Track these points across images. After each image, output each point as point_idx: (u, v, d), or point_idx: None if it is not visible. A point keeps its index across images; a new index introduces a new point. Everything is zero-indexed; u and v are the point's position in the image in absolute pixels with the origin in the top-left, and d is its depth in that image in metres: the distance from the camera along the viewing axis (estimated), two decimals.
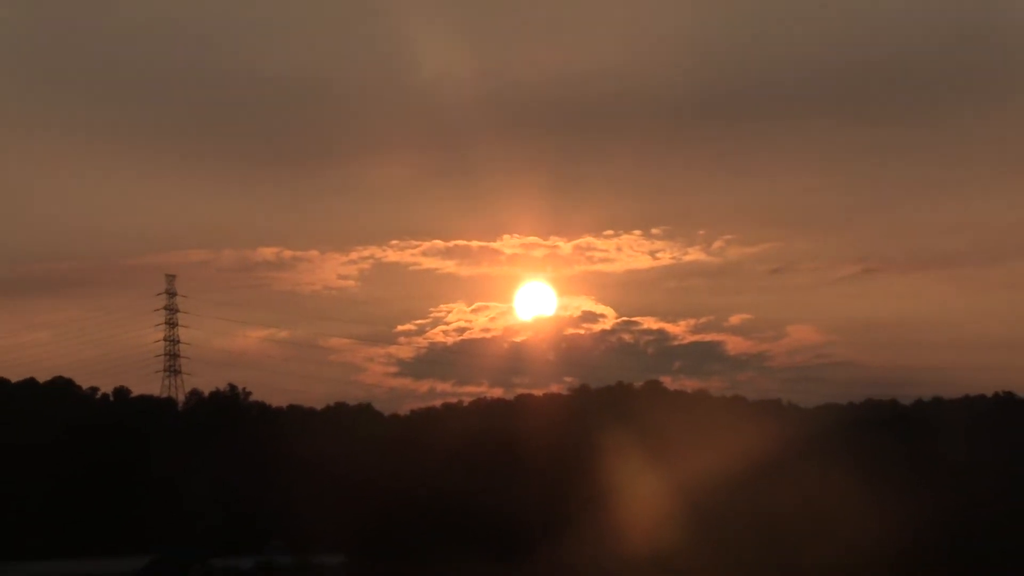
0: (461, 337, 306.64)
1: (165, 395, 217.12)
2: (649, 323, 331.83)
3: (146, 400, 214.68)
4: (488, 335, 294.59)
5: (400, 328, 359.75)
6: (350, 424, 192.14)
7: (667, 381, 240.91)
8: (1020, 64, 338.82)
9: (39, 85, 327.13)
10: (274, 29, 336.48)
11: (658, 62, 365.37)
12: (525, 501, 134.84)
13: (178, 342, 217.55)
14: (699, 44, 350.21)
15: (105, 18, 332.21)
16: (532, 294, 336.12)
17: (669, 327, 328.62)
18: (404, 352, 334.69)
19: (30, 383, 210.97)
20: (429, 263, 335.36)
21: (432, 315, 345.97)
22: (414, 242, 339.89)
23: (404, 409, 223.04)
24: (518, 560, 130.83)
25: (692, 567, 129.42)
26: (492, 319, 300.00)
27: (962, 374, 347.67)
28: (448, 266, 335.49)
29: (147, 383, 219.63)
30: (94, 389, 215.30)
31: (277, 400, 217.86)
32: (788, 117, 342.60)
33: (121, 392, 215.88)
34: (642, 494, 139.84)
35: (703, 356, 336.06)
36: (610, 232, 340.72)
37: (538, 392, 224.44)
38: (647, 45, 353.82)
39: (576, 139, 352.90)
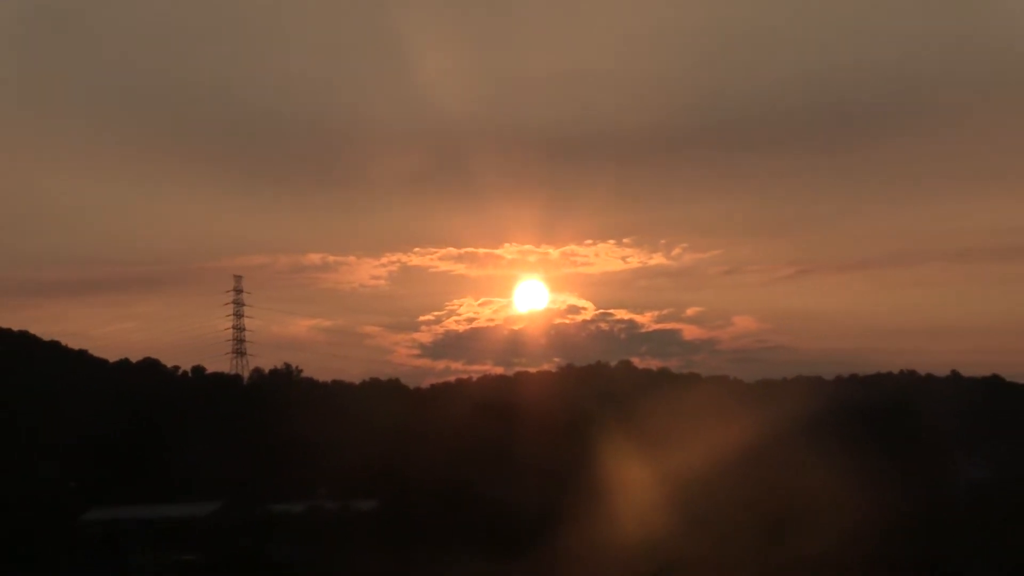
0: (470, 326, 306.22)
1: (233, 373, 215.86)
2: (621, 314, 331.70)
3: (217, 376, 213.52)
4: (492, 324, 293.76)
5: (421, 318, 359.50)
6: (381, 396, 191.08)
7: (636, 361, 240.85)
8: (918, 105, 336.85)
9: (132, 122, 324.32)
10: (315, 73, 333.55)
11: (629, 106, 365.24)
12: (522, 470, 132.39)
13: (243, 330, 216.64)
14: (663, 91, 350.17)
15: (171, 58, 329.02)
16: (527, 291, 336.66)
17: (637, 317, 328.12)
18: (424, 338, 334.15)
19: (124, 363, 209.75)
20: (444, 266, 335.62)
21: (447, 308, 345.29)
22: (432, 249, 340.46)
23: (425, 384, 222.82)
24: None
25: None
26: (495, 311, 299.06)
27: (875, 356, 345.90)
28: (459, 268, 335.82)
29: (219, 363, 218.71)
30: (176, 367, 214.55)
31: (322, 376, 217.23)
32: (735, 148, 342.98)
33: (198, 370, 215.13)
34: (620, 459, 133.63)
35: (665, 341, 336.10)
36: (590, 241, 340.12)
37: (532, 370, 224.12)
38: (621, 93, 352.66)
39: (563, 168, 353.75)
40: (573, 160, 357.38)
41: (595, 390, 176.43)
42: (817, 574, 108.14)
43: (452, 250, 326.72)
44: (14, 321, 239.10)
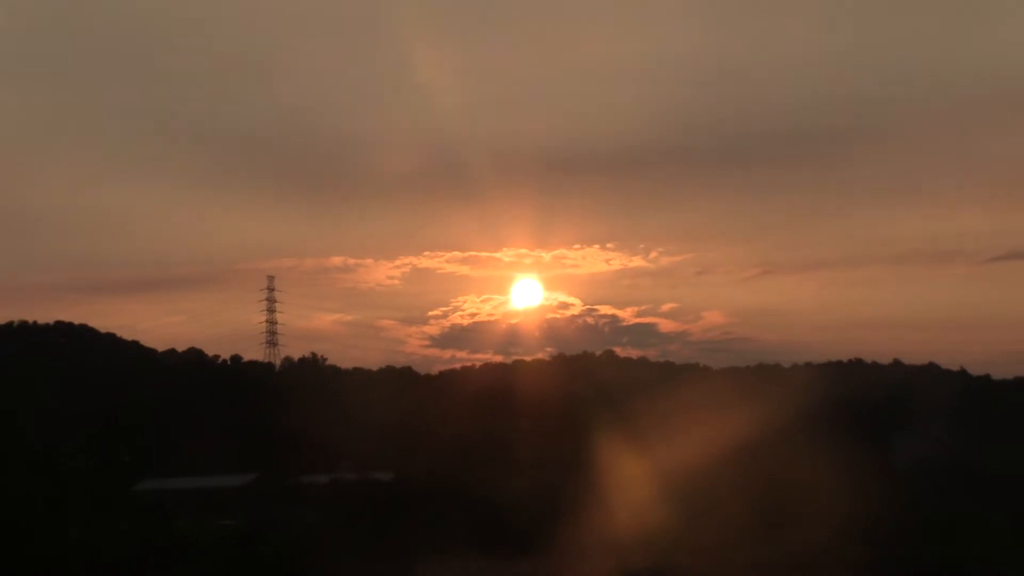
0: (473, 320, 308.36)
1: (266, 360, 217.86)
2: (605, 310, 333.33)
3: (253, 364, 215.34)
4: (492, 318, 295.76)
5: (430, 313, 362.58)
6: (395, 381, 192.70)
7: (618, 350, 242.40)
8: (863, 131, 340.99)
9: (181, 144, 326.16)
10: (339, 101, 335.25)
11: (614, 128, 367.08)
12: (519, 448, 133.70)
13: (275, 323, 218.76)
14: (643, 115, 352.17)
15: (218, 89, 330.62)
16: (523, 289, 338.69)
17: (619, 312, 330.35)
18: (433, 330, 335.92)
19: (171, 352, 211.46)
20: (450, 268, 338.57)
21: (453, 304, 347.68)
22: (440, 253, 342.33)
23: (434, 370, 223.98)
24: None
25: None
26: (495, 307, 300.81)
27: (827, 346, 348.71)
28: (463, 270, 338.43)
29: (254, 352, 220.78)
30: (216, 356, 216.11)
31: (344, 364, 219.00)
32: (706, 166, 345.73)
33: (236, 358, 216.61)
34: (607, 438, 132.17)
35: (643, 333, 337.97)
36: (578, 246, 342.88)
37: (528, 358, 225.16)
38: (606, 116, 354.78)
39: (554, 182, 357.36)
40: (563, 175, 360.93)
41: (583, 376, 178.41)
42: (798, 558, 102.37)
43: (457, 253, 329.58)
44: (76, 316, 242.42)
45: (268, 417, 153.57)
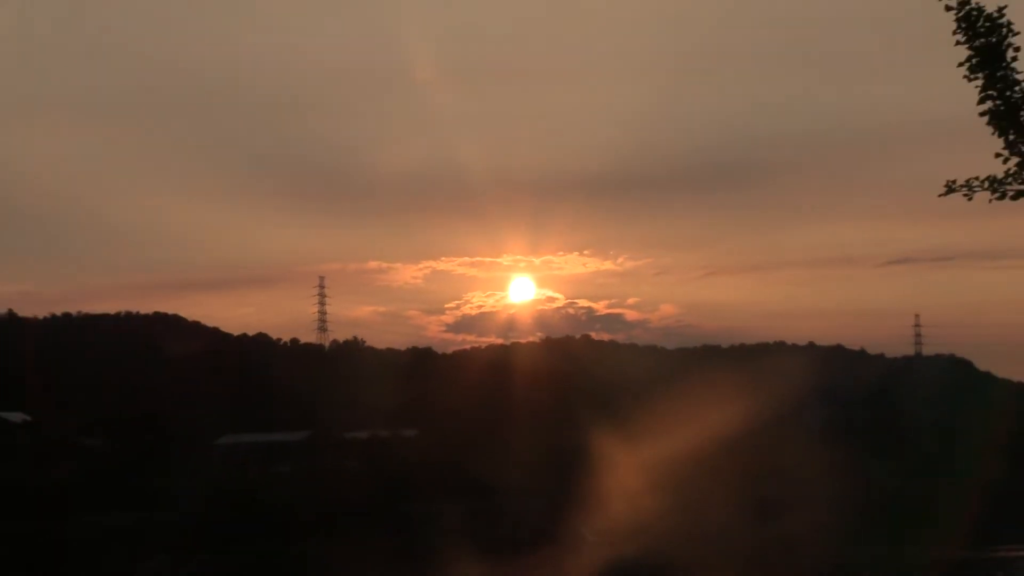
0: (480, 311, 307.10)
1: (318, 343, 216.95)
2: (583, 303, 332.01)
3: (308, 345, 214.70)
4: (494, 309, 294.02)
5: (446, 306, 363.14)
6: (419, 359, 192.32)
7: (593, 335, 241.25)
8: (783, 160, 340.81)
9: (250, 168, 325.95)
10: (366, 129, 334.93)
11: (588, 158, 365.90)
12: (518, 413, 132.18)
13: (325, 313, 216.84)
14: (613, 150, 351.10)
15: (279, 120, 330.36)
16: (519, 287, 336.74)
17: (594, 305, 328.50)
18: (448, 319, 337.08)
19: (244, 335, 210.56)
20: (462, 270, 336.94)
21: (464, 299, 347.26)
22: (454, 258, 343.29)
23: (449, 350, 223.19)
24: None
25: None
26: (497, 301, 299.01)
27: (756, 331, 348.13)
28: (472, 272, 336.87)
29: (308, 336, 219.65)
30: (279, 339, 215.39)
31: (379, 345, 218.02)
32: (662, 190, 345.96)
33: (294, 340, 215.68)
34: (588, 406, 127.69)
35: (612, 321, 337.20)
36: (561, 253, 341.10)
37: (522, 340, 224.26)
38: (585, 152, 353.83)
39: (544, 201, 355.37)
40: (551, 198, 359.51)
41: (565, 355, 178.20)
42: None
43: (467, 259, 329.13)
44: (169, 307, 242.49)
45: (319, 386, 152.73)
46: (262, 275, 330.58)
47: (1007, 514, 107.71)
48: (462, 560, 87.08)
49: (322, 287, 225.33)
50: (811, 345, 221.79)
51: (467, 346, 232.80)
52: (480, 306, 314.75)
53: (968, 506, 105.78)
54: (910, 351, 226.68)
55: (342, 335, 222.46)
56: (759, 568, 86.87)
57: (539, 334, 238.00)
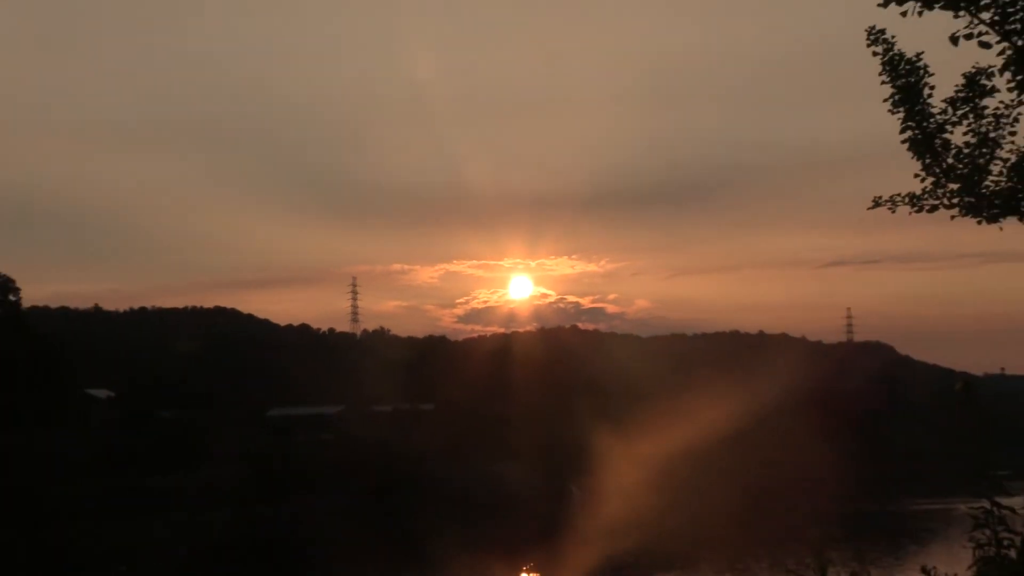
0: (486, 305, 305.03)
1: (351, 332, 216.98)
2: (571, 298, 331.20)
3: (343, 334, 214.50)
4: (497, 304, 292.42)
5: (457, 301, 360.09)
6: (435, 345, 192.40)
7: (579, 325, 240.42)
8: (740, 180, 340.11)
9: (299, 184, 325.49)
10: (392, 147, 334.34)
11: (576, 181, 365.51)
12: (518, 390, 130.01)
13: (357, 307, 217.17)
14: (595, 172, 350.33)
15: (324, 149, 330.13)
16: (518, 285, 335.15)
17: (580, 300, 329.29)
18: (459, 312, 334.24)
19: (290, 326, 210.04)
20: (470, 271, 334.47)
21: (472, 295, 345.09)
22: (465, 261, 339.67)
23: (460, 338, 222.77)
24: None
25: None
26: (499, 297, 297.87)
27: (716, 322, 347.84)
28: (479, 272, 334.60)
29: (343, 326, 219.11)
30: (319, 328, 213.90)
31: (402, 334, 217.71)
32: (637, 204, 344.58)
33: (331, 330, 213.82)
34: (580, 389, 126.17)
35: (596, 313, 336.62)
36: (553, 256, 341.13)
37: (520, 330, 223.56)
38: (572, 173, 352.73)
39: (539, 215, 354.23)
40: (545, 211, 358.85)
41: (556, 342, 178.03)
42: None
43: (475, 262, 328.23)
44: (227, 302, 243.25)
45: (352, 367, 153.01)
46: (304, 276, 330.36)
47: (917, 473, 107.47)
48: (469, 511, 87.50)
49: (354, 285, 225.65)
50: (761, 333, 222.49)
51: (475, 334, 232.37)
52: (485, 301, 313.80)
53: (886, 466, 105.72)
54: (843, 338, 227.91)
55: (371, 325, 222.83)
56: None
57: (535, 324, 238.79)
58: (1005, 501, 9.74)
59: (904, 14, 14.74)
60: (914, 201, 16.69)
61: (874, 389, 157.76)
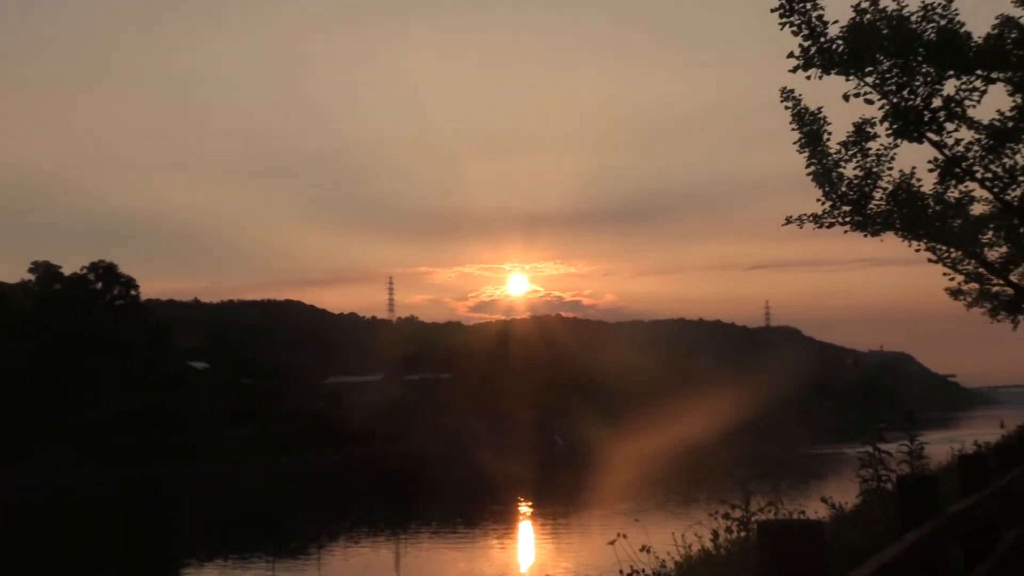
0: (491, 298, 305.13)
1: (388, 319, 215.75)
2: (556, 293, 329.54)
3: (382, 321, 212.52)
4: (500, 298, 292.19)
5: (469, 295, 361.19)
6: (452, 329, 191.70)
7: (563, 314, 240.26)
8: (681, 205, 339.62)
9: (340, 197, 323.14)
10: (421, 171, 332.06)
11: (558, 204, 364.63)
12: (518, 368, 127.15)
13: (392, 300, 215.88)
14: (576, 196, 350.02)
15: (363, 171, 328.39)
16: (516, 283, 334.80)
17: (563, 295, 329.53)
18: (471, 303, 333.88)
19: (341, 314, 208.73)
20: (479, 272, 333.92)
21: (480, 291, 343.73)
22: (475, 264, 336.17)
23: (471, 324, 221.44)
24: None
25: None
26: (501, 293, 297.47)
27: (667, 311, 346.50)
28: (486, 273, 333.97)
29: (382, 314, 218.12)
30: (364, 316, 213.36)
31: (428, 320, 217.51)
32: (608, 222, 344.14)
33: (373, 317, 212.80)
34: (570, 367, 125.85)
35: (574, 305, 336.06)
36: (543, 261, 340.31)
37: (518, 318, 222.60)
38: (555, 196, 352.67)
39: (532, 229, 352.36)
40: (537, 224, 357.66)
41: (544, 327, 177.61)
42: None
43: (483, 265, 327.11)
44: (295, 296, 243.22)
45: (389, 346, 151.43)
46: (353, 276, 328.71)
47: (816, 425, 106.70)
48: (481, 454, 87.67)
49: (391, 283, 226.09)
50: (700, 320, 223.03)
51: (482, 321, 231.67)
52: (491, 295, 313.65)
53: (790, 418, 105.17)
54: (763, 324, 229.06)
55: (403, 314, 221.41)
56: None
57: (528, 313, 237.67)
58: (884, 447, 9.92)
59: (808, 77, 15.08)
60: (816, 219, 16.96)
61: (785, 362, 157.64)
